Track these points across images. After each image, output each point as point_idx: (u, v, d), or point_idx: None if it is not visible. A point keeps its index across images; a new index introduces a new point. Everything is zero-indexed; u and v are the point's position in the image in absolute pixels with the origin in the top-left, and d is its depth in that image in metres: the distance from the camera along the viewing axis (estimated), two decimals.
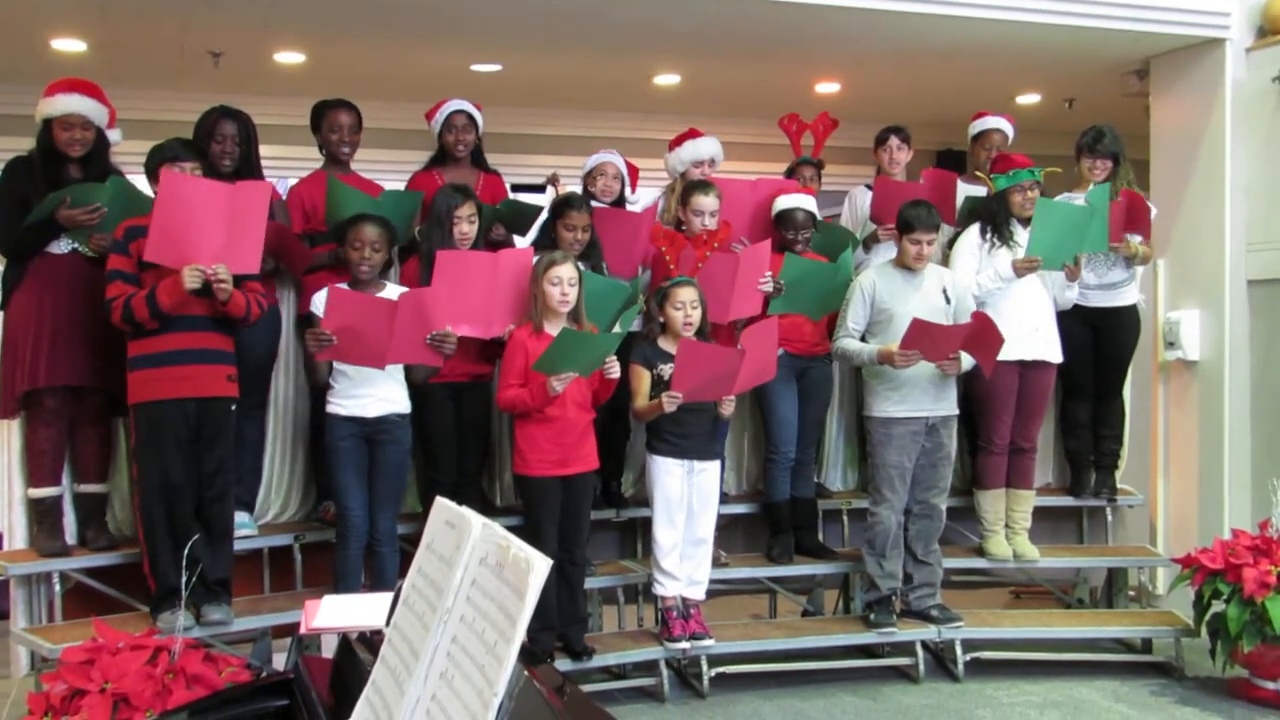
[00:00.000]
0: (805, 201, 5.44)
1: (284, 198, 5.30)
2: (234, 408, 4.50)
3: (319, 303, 4.56)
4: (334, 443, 4.60)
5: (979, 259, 5.47)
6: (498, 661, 1.61)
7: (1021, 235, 5.42)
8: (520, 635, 1.59)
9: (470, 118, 5.38)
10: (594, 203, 5.28)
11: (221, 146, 4.79)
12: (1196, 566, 5.07)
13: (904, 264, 5.22)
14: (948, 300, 5.20)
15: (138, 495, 4.48)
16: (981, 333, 5.02)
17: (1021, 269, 5.31)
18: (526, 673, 1.81)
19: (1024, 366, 5.49)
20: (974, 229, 5.54)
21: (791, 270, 5.26)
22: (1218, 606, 5.00)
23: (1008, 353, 5.23)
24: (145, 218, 4.30)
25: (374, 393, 4.58)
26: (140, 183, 4.82)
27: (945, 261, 5.58)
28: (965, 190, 5.91)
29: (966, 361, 5.13)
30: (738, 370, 4.70)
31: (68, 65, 6.22)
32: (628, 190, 5.60)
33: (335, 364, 4.54)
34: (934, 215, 5.16)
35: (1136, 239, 5.72)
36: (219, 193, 4.29)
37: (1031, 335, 5.42)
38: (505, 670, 1.58)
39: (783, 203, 5.44)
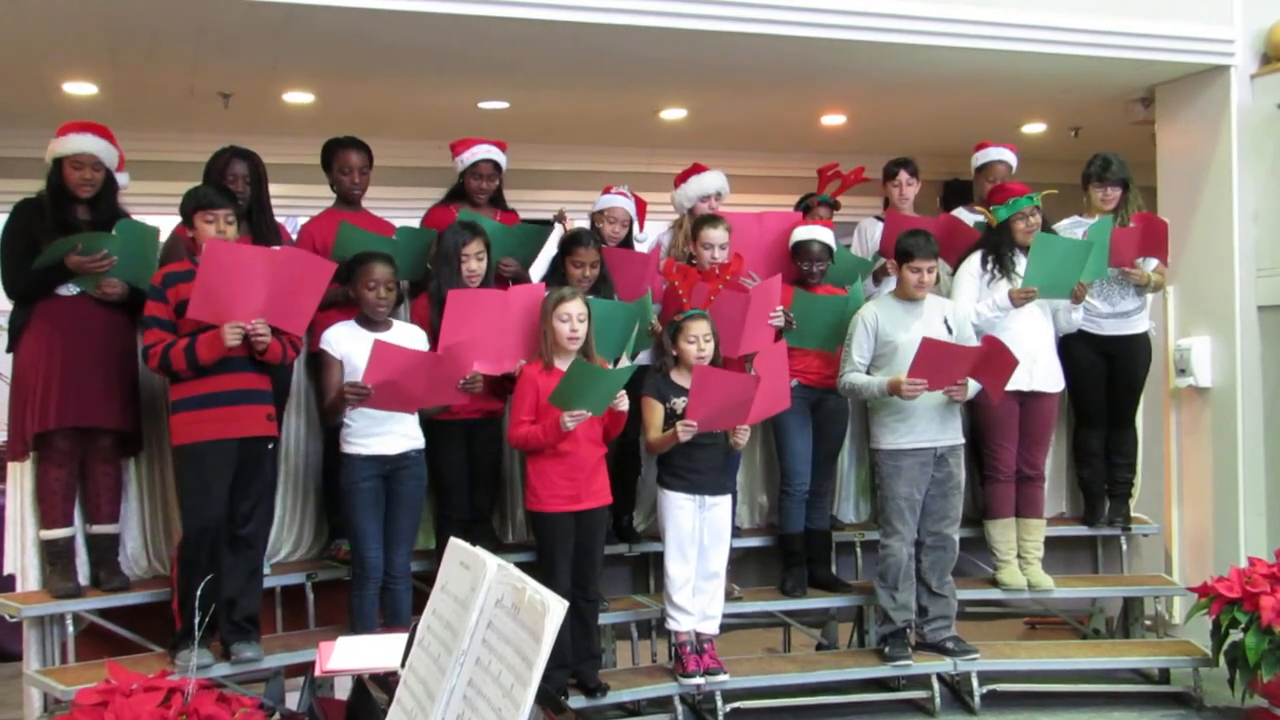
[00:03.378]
0: (822, 234, 5.45)
1: (294, 237, 5.32)
2: (271, 445, 4.53)
3: (331, 340, 4.58)
4: (354, 484, 4.57)
5: (979, 288, 5.47)
6: (514, 705, 1.60)
7: (1022, 265, 5.43)
8: (537, 679, 1.59)
9: (496, 166, 5.41)
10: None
11: (234, 186, 4.81)
12: (1213, 595, 5.03)
13: (905, 294, 5.23)
14: (949, 330, 5.20)
15: (178, 535, 4.51)
16: (993, 356, 5.02)
17: (1019, 299, 5.32)
18: (543, 715, 1.81)
19: (1023, 396, 5.48)
20: (975, 257, 5.54)
21: (800, 305, 5.27)
22: (1235, 635, 4.96)
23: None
24: (181, 264, 4.39)
25: (394, 429, 4.58)
26: (151, 223, 4.86)
27: (948, 290, 5.59)
28: (971, 219, 5.92)
29: (972, 388, 5.12)
30: (752, 398, 4.69)
31: (79, 108, 6.28)
32: (635, 230, 5.62)
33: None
34: (932, 243, 5.17)
35: (1151, 265, 5.73)
36: (265, 259, 4.34)
37: (1029, 366, 5.40)
38: (522, 714, 1.58)
39: (800, 234, 5.46)
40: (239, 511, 4.42)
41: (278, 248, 4.56)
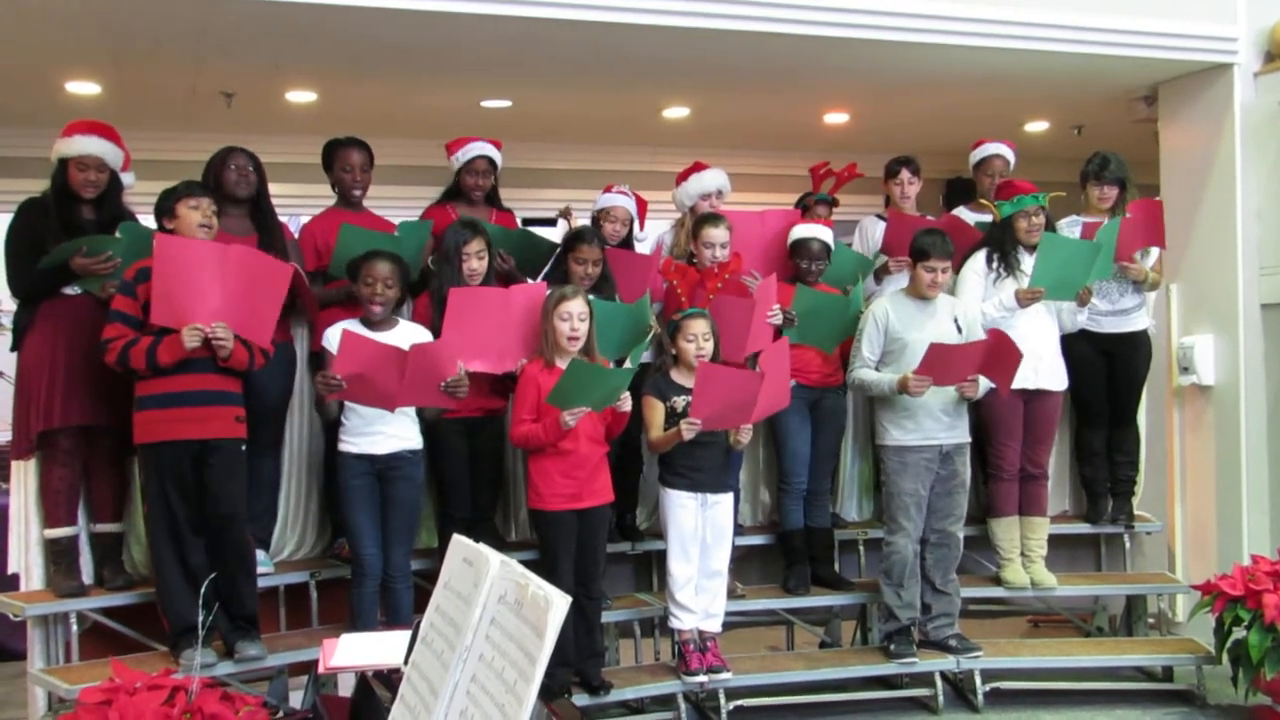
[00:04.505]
0: (821, 232, 5.45)
1: (295, 236, 5.32)
2: (244, 447, 4.50)
3: (331, 339, 4.58)
4: (346, 481, 4.59)
5: (984, 286, 5.47)
6: (518, 701, 1.60)
7: (1027, 263, 5.42)
8: (540, 674, 1.59)
9: (491, 162, 5.42)
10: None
11: (239, 172, 4.83)
12: (1216, 593, 5.03)
13: (917, 293, 5.23)
14: (959, 329, 5.21)
15: (149, 534, 4.50)
16: (998, 350, 5.02)
17: (1025, 300, 5.32)
18: (546, 710, 1.81)
19: (1027, 394, 5.48)
20: (979, 256, 5.54)
21: (803, 301, 5.27)
22: (1239, 633, 4.95)
23: None
24: (152, 260, 4.35)
25: (385, 430, 4.57)
26: (153, 223, 4.87)
27: (952, 288, 5.59)
28: (973, 218, 5.92)
29: (984, 384, 5.12)
30: (756, 395, 4.68)
31: (81, 108, 6.28)
32: (636, 229, 5.62)
33: (346, 402, 4.54)
34: (948, 243, 5.17)
35: (1150, 261, 5.73)
36: (213, 252, 4.33)
37: (1034, 364, 5.40)
38: (525, 710, 1.58)
39: (799, 232, 5.46)
40: (218, 513, 4.41)
41: (234, 246, 4.53)
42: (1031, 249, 5.42)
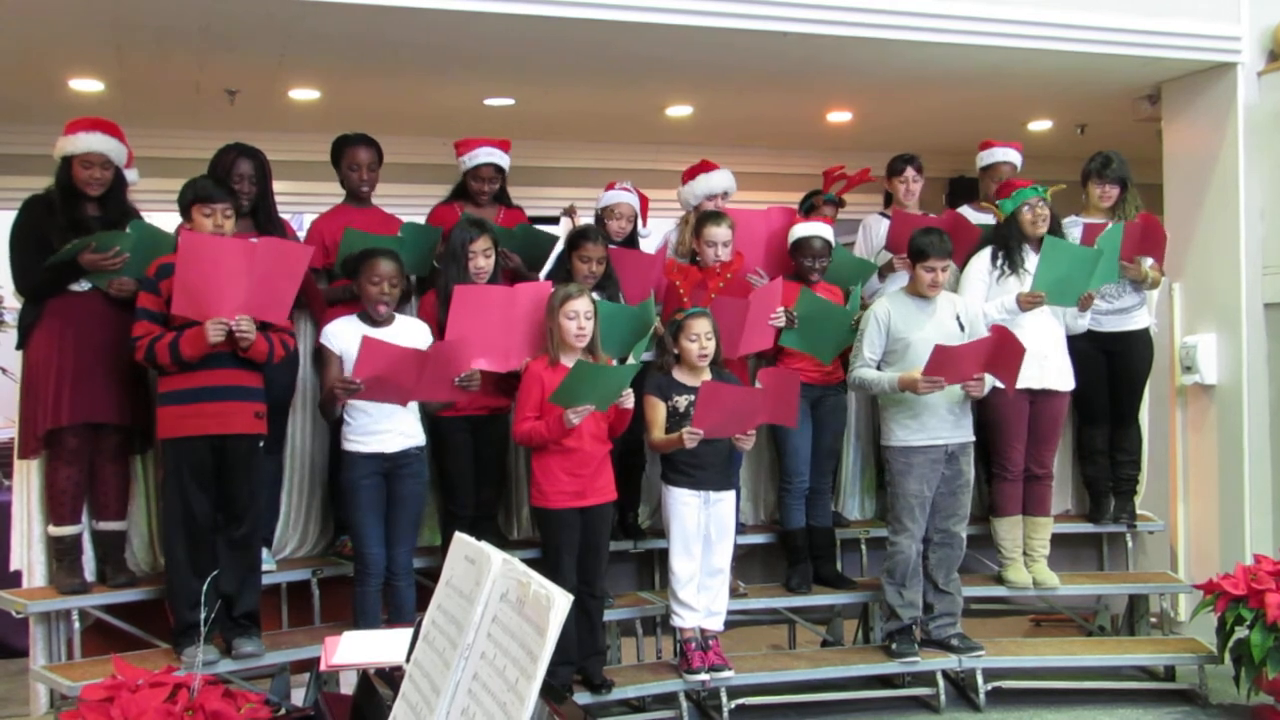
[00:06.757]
0: (823, 230, 5.45)
1: (300, 234, 5.32)
2: (261, 444, 4.52)
3: (330, 335, 4.60)
4: (354, 481, 4.59)
5: (988, 285, 5.46)
6: (519, 699, 1.60)
7: (1031, 261, 5.41)
8: (542, 672, 1.59)
9: (498, 169, 5.42)
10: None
11: (239, 186, 4.83)
12: (1219, 592, 5.03)
13: (917, 292, 5.22)
14: (961, 327, 5.20)
15: (163, 530, 4.51)
16: (1002, 346, 5.00)
17: (1026, 304, 5.31)
18: (548, 708, 1.81)
19: (1033, 394, 5.47)
20: (984, 254, 5.53)
21: (805, 304, 5.26)
22: (1241, 633, 4.95)
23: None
24: (176, 255, 4.36)
25: (393, 428, 4.58)
26: (158, 220, 4.87)
27: (955, 285, 5.58)
28: (975, 217, 5.91)
29: (989, 382, 5.11)
30: (758, 409, 4.70)
31: (85, 104, 6.28)
32: (639, 225, 5.62)
33: (350, 402, 4.54)
34: (946, 242, 5.16)
35: (1148, 262, 5.73)
36: (240, 249, 4.33)
37: (1040, 364, 5.39)
38: (527, 708, 1.58)
39: (800, 230, 5.45)
40: (233, 511, 4.43)
41: (254, 238, 4.54)
42: (1037, 242, 5.41)
